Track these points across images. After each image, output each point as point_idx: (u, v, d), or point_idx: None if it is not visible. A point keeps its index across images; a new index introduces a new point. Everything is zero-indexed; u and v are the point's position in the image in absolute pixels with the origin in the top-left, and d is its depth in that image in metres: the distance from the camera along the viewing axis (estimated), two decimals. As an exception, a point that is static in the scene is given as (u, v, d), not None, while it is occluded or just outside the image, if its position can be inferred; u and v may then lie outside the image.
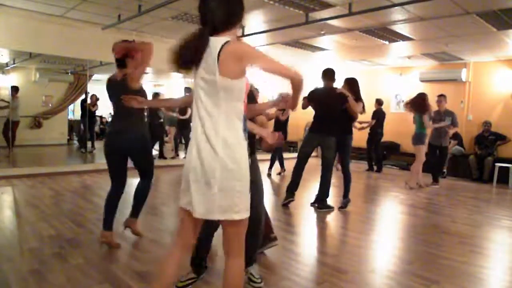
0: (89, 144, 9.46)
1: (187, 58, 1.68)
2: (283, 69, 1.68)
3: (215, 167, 1.61)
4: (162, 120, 8.66)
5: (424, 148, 6.49)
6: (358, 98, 4.81)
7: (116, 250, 3.17)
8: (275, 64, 1.67)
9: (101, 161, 8.52)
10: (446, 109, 6.98)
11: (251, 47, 1.70)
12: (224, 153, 1.62)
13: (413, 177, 6.60)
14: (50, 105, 10.16)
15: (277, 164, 7.55)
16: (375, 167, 8.63)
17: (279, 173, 7.54)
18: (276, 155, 7.43)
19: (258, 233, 2.64)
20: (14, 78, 10.20)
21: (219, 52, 1.60)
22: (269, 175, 7.35)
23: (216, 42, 1.63)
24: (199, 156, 1.65)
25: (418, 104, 6.41)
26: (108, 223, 3.18)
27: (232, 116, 1.67)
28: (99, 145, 10.06)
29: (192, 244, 1.94)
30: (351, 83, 4.93)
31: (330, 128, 4.73)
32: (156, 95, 8.82)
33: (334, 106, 4.72)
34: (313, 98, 4.90)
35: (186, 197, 1.72)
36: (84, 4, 5.65)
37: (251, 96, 2.13)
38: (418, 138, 6.46)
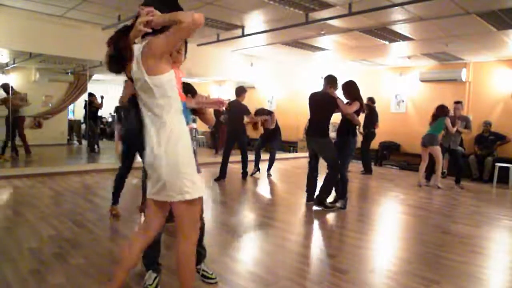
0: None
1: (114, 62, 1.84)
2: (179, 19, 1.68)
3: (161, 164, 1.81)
4: None
5: (439, 148, 6.66)
6: (355, 99, 4.80)
7: (116, 250, 3.17)
8: (172, 30, 1.72)
9: (101, 162, 8.55)
10: (460, 114, 7.10)
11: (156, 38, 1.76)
12: (166, 148, 1.80)
13: (437, 177, 6.80)
14: (50, 105, 10.16)
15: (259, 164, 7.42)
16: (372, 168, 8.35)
17: (252, 174, 7.26)
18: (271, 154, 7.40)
19: (202, 228, 2.67)
20: (14, 78, 10.21)
21: (141, 55, 1.77)
22: (269, 175, 7.34)
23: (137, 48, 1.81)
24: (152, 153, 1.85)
25: (441, 108, 6.69)
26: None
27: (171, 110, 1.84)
28: (102, 145, 10.09)
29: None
30: (344, 87, 4.94)
31: (318, 130, 4.84)
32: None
33: (323, 109, 4.83)
34: (309, 101, 5.04)
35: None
36: (84, 4, 5.65)
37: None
38: (433, 139, 6.63)
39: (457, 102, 7.08)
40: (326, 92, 4.87)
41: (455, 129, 6.71)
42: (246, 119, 6.63)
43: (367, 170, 8.17)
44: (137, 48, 1.81)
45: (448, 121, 6.60)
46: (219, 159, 6.68)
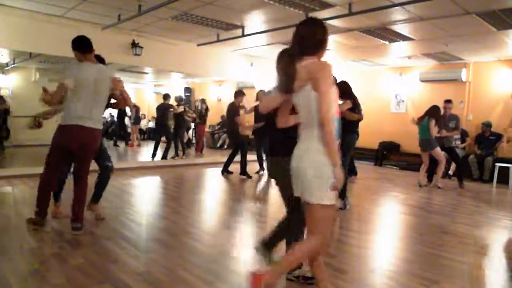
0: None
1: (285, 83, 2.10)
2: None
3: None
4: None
5: (439, 149, 6.61)
6: (348, 98, 4.77)
7: (116, 250, 3.17)
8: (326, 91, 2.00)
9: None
10: (450, 113, 7.04)
11: (318, 69, 2.02)
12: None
13: (437, 177, 6.78)
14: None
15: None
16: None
17: (258, 172, 7.40)
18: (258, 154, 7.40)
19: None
20: (14, 78, 10.21)
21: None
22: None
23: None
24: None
25: (432, 109, 6.66)
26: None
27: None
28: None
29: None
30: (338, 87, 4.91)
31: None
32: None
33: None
34: None
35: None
36: (84, 4, 5.65)
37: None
38: (429, 144, 6.58)
39: (447, 101, 7.03)
40: None
41: (437, 134, 6.63)
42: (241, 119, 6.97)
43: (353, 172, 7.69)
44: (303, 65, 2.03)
45: (432, 124, 6.50)
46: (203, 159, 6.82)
